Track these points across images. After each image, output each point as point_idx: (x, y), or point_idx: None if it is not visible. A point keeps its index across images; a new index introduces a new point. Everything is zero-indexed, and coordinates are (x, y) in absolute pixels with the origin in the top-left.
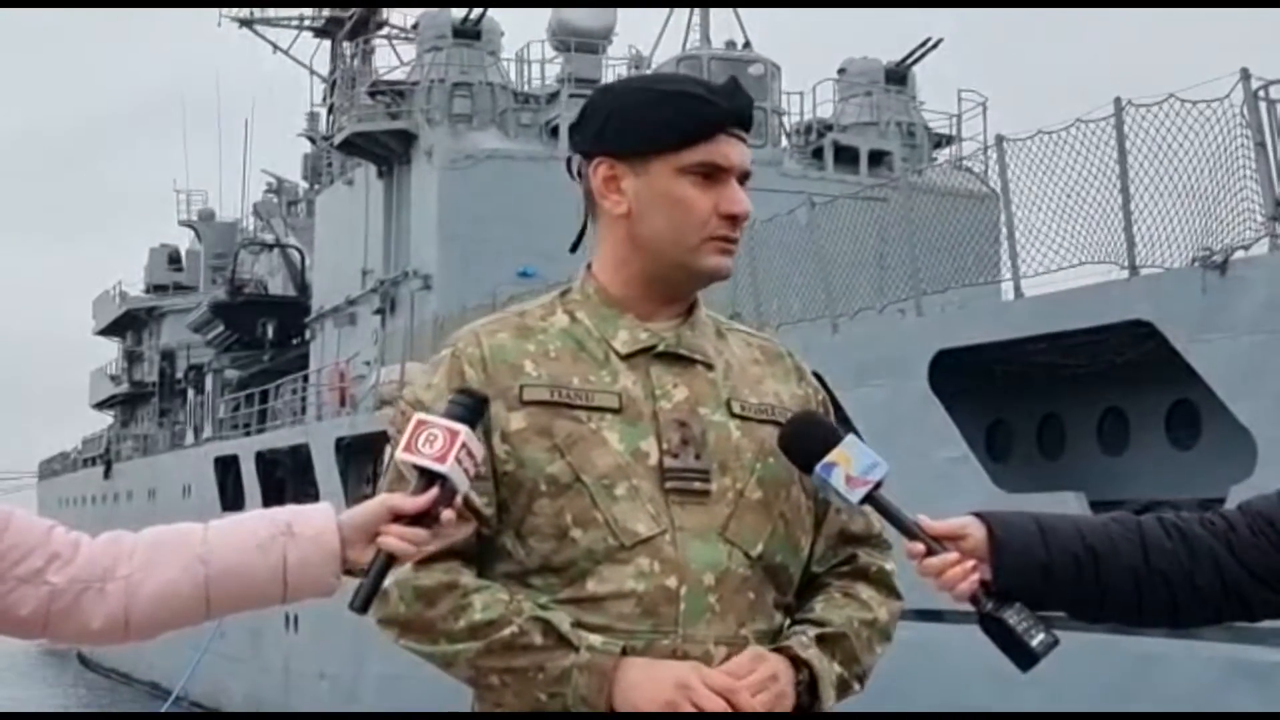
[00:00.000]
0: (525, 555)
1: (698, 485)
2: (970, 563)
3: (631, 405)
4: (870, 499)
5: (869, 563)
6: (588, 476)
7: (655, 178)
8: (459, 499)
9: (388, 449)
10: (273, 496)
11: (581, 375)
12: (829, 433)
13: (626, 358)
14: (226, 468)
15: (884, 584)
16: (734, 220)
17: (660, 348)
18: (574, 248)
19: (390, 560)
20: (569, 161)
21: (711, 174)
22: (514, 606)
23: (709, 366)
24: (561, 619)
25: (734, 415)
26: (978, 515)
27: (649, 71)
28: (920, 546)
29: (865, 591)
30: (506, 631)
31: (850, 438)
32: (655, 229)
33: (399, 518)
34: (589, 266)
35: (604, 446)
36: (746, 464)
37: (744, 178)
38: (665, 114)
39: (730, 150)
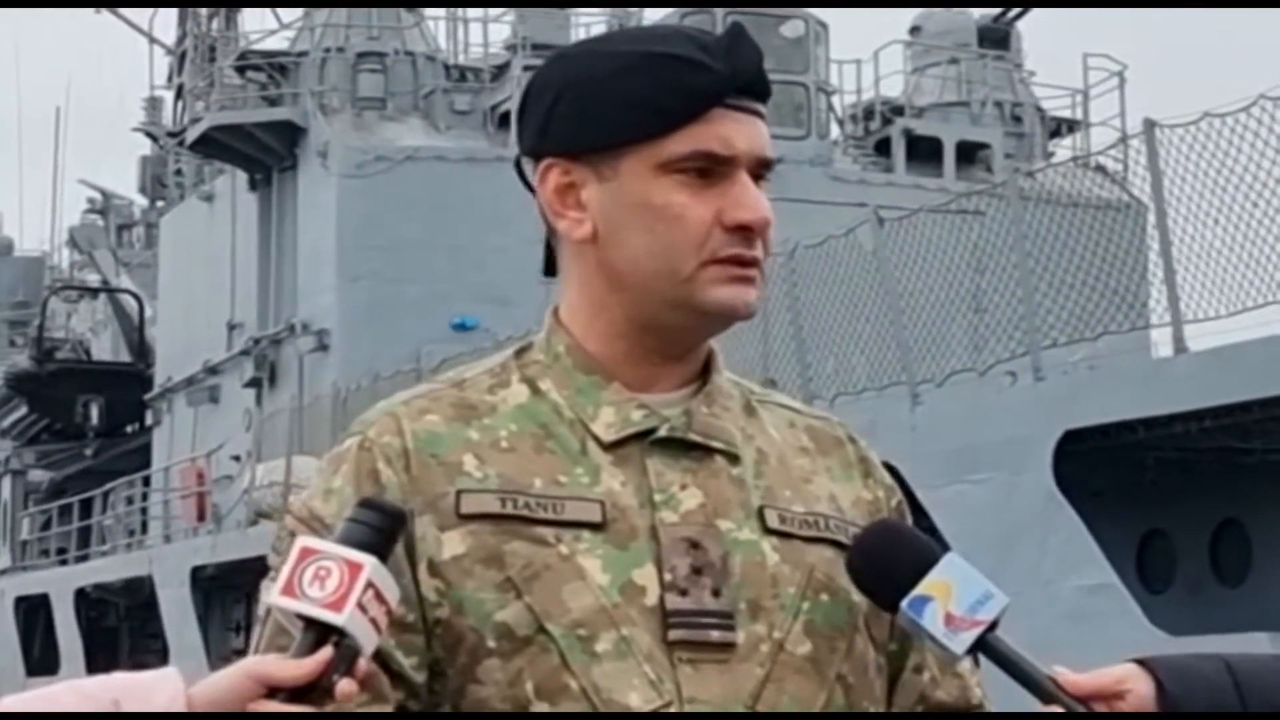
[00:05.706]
0: None
1: (716, 635)
2: None
3: (620, 518)
4: (982, 645)
5: None
6: (556, 625)
7: (628, 181)
8: (363, 663)
9: (264, 585)
10: (100, 653)
11: (547, 474)
12: (921, 550)
13: (612, 447)
14: (32, 613)
15: None
16: (747, 233)
17: (662, 432)
18: (548, 270)
19: None
20: (518, 163)
21: (708, 169)
22: None
23: (733, 459)
24: None
25: (769, 531)
26: (1140, 663)
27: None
28: (1061, 711)
29: None
30: None
31: (951, 557)
32: (634, 255)
33: (275, 691)
34: (555, 313)
35: (580, 580)
36: (788, 603)
37: (762, 168)
38: (633, 88)
39: (733, 131)
